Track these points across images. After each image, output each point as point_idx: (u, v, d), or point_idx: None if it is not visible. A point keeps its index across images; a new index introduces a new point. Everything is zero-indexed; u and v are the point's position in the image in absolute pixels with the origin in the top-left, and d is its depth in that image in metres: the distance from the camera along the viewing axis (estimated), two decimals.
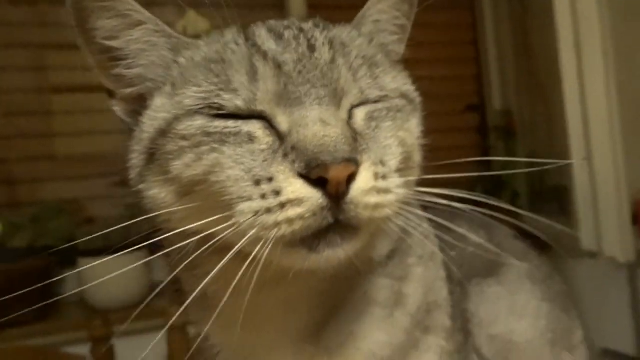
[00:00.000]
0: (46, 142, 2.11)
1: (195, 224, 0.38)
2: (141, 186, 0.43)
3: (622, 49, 2.42)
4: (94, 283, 1.73)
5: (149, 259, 0.41)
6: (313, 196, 0.35)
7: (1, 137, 2.04)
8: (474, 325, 0.50)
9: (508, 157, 2.50)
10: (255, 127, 0.38)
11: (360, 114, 0.40)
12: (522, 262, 0.56)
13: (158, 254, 0.40)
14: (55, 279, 1.83)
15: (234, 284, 0.36)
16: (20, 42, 2.07)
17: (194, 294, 0.38)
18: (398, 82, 0.44)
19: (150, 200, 0.42)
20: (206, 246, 0.37)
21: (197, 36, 0.45)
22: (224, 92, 0.38)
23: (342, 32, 0.42)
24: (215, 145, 0.37)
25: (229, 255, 0.36)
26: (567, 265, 2.22)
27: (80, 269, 1.58)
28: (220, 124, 0.38)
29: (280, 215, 0.35)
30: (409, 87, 0.46)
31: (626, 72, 2.42)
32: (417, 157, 0.44)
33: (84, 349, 1.34)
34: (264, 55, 0.38)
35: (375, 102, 0.41)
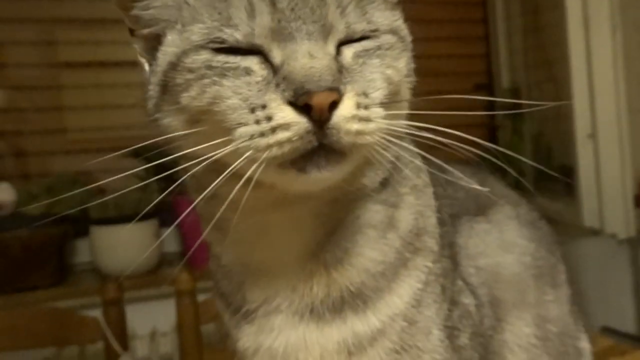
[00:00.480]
0: (56, 115, 2.15)
1: (203, 146, 0.43)
2: (157, 115, 0.47)
3: (630, 27, 2.41)
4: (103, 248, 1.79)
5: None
6: (300, 121, 0.39)
7: (12, 111, 2.08)
8: (462, 257, 0.55)
9: (515, 136, 2.52)
10: (252, 62, 0.42)
11: (348, 52, 0.44)
12: (512, 205, 0.60)
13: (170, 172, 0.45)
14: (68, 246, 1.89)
15: (228, 200, 0.41)
16: (30, 17, 2.10)
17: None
18: (388, 18, 0.47)
19: (165, 128, 0.47)
20: (204, 164, 0.42)
21: None
22: (226, 27, 0.42)
23: None
24: (217, 79, 0.42)
25: (225, 173, 0.41)
26: (570, 242, 2.24)
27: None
28: (221, 58, 0.42)
29: (272, 138, 0.39)
30: (400, 24, 0.49)
31: (633, 51, 2.41)
32: (405, 93, 0.48)
33: (96, 314, 1.39)
34: None
35: (364, 38, 0.44)
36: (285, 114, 0.39)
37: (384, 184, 0.49)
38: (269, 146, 0.39)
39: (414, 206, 0.51)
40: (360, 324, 0.48)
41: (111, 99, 2.17)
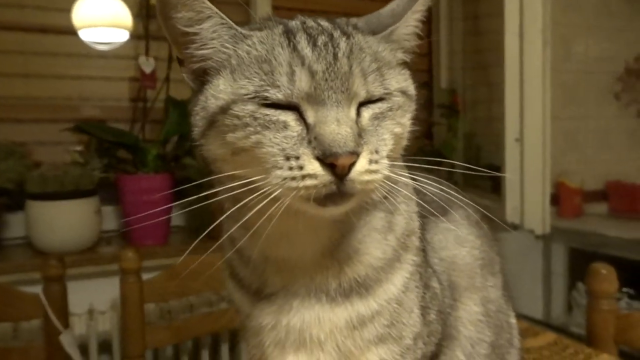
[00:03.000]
0: None
1: (243, 173, 0.52)
2: (202, 141, 0.55)
3: (558, 42, 2.62)
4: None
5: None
6: (325, 174, 0.49)
7: None
8: (429, 250, 0.67)
9: (449, 133, 2.67)
10: (289, 118, 0.51)
11: (366, 114, 0.53)
12: (463, 208, 0.70)
13: (210, 193, 0.54)
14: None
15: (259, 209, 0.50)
16: None
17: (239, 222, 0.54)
18: (400, 81, 0.56)
19: (209, 153, 0.55)
20: (241, 184, 0.51)
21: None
22: (270, 88, 0.51)
23: (361, 40, 0.55)
24: (259, 129, 0.51)
25: (265, 201, 0.50)
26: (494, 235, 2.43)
27: None
28: (264, 111, 0.51)
29: (301, 183, 0.49)
30: (408, 83, 0.58)
31: (559, 64, 2.63)
32: (405, 141, 0.58)
33: (31, 290, 1.36)
34: (302, 60, 0.51)
35: (380, 99, 0.54)
36: (314, 166, 0.49)
37: (385, 197, 0.58)
38: (298, 188, 0.49)
39: (405, 212, 0.62)
40: (363, 307, 0.58)
41: (48, 67, 2.09)
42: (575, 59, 2.82)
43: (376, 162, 0.50)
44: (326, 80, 0.50)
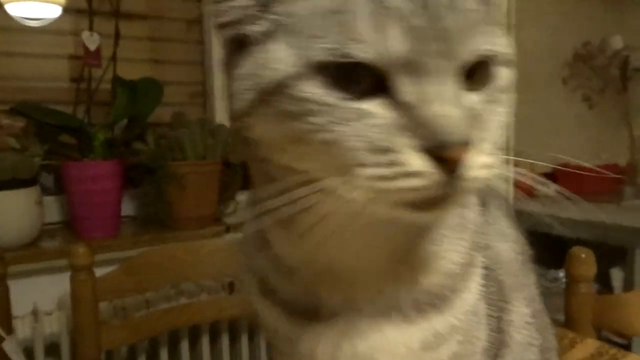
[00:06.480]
0: None
1: (305, 168, 0.39)
2: (246, 118, 0.40)
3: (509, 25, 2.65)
4: None
5: None
6: (431, 171, 0.36)
7: None
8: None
9: None
10: (372, 105, 0.37)
11: (476, 96, 0.40)
12: (497, 199, 0.64)
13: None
14: None
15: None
16: None
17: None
18: (506, 46, 0.42)
19: (255, 134, 0.41)
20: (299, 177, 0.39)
21: None
22: (353, 42, 0.36)
23: None
24: (333, 119, 0.37)
25: (338, 207, 0.38)
26: None
27: None
28: (337, 101, 0.37)
29: (399, 184, 0.36)
30: (511, 51, 0.44)
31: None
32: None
33: None
34: (396, 12, 0.36)
35: (487, 82, 0.41)
36: (415, 162, 0.36)
37: None
38: (392, 192, 0.36)
39: (474, 204, 0.53)
40: (439, 323, 0.48)
41: None
42: (524, 45, 2.87)
43: (490, 154, 0.38)
44: (430, 41, 0.35)
